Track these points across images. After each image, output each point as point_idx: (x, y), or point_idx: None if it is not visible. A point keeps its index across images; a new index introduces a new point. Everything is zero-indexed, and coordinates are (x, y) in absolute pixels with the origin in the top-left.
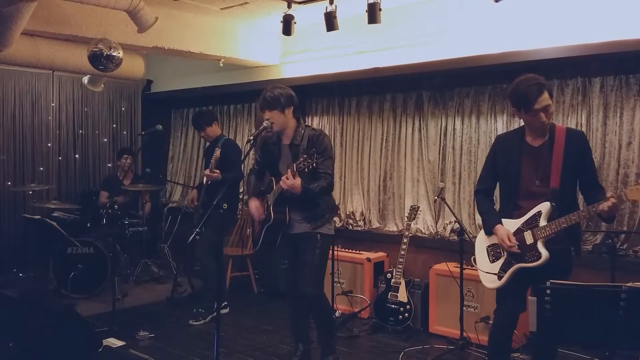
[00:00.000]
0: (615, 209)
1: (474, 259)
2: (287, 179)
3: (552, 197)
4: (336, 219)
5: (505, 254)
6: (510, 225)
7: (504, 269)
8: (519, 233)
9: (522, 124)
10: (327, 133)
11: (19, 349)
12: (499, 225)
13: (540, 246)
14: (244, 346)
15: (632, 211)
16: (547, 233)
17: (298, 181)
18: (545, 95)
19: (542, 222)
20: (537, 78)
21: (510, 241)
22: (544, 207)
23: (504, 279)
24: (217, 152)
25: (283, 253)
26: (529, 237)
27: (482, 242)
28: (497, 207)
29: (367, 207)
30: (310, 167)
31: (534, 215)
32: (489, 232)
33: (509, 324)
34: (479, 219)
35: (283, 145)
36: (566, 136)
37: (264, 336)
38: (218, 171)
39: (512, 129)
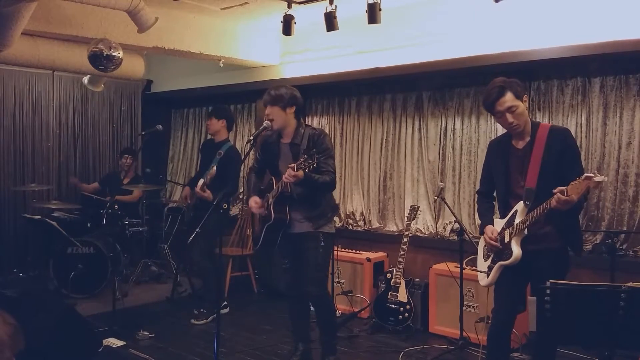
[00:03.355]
0: (562, 203)
1: (475, 259)
2: (290, 174)
3: (526, 196)
4: (336, 218)
5: (492, 252)
6: (498, 224)
7: (490, 267)
8: (502, 231)
9: None
10: (327, 132)
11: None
12: (488, 226)
13: (513, 244)
14: (244, 346)
15: (632, 211)
16: (516, 231)
17: (300, 172)
18: (508, 97)
19: (517, 221)
20: (503, 81)
21: (492, 234)
22: (519, 206)
23: (490, 276)
24: (213, 170)
25: (283, 252)
26: (507, 236)
27: (480, 243)
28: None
29: (367, 207)
30: (312, 167)
31: (512, 214)
32: (482, 233)
33: (506, 323)
34: (478, 219)
35: (283, 144)
36: (548, 134)
37: (264, 336)
38: (209, 192)
39: None
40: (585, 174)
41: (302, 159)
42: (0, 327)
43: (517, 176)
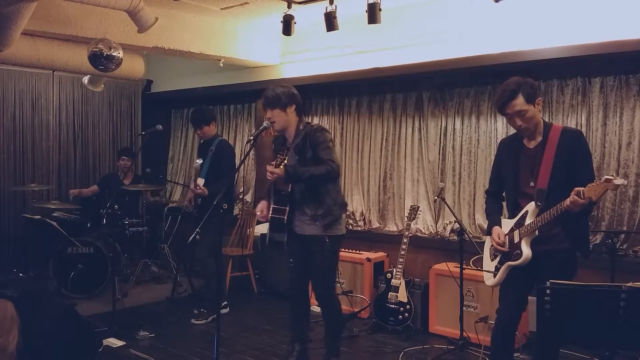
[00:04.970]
0: (574, 204)
1: (475, 260)
2: (269, 170)
3: (537, 197)
4: (344, 217)
5: (499, 253)
6: (506, 225)
7: (498, 267)
8: (511, 232)
9: None
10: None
11: (16, 350)
12: (495, 227)
13: (524, 245)
14: (244, 346)
15: (632, 211)
16: (527, 231)
17: (278, 169)
18: (519, 100)
19: (528, 221)
20: (517, 82)
21: (499, 239)
22: (530, 206)
23: (497, 277)
24: (204, 167)
25: (290, 252)
26: (516, 236)
27: (487, 242)
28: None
29: (367, 207)
30: (283, 163)
31: (523, 214)
32: (489, 233)
33: (509, 323)
34: (478, 219)
35: (289, 146)
36: (560, 135)
37: (264, 336)
38: (203, 187)
39: (511, 128)
40: (606, 177)
41: (276, 158)
42: (4, 302)
43: (527, 176)
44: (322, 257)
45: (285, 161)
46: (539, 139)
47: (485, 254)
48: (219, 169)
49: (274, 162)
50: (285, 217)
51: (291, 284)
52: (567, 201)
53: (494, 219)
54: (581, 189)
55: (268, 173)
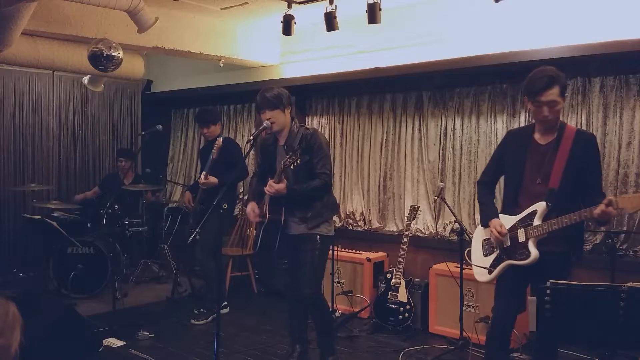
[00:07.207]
0: (606, 215)
1: (469, 251)
2: (272, 186)
3: (548, 196)
4: (336, 218)
5: (497, 249)
6: (506, 221)
7: (494, 264)
8: (513, 230)
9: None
10: (323, 132)
11: (18, 349)
12: (496, 219)
13: (531, 245)
14: (244, 346)
15: None
16: (539, 233)
17: (282, 185)
18: (554, 90)
19: (536, 222)
20: (554, 72)
21: (500, 227)
22: (540, 206)
23: (493, 274)
24: (220, 141)
25: (282, 253)
26: (521, 235)
27: (478, 235)
28: (497, 202)
29: (367, 207)
30: (296, 163)
31: (530, 213)
32: (485, 225)
33: (505, 323)
34: (479, 219)
35: (279, 146)
36: (575, 136)
37: (264, 336)
38: (212, 177)
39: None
40: None
41: (287, 157)
42: (7, 303)
43: (534, 173)
44: (312, 255)
45: (299, 161)
46: (553, 136)
47: (475, 247)
48: (227, 164)
49: (282, 163)
50: (283, 217)
51: (287, 285)
52: (597, 210)
53: (491, 210)
54: (613, 198)
55: (269, 187)
